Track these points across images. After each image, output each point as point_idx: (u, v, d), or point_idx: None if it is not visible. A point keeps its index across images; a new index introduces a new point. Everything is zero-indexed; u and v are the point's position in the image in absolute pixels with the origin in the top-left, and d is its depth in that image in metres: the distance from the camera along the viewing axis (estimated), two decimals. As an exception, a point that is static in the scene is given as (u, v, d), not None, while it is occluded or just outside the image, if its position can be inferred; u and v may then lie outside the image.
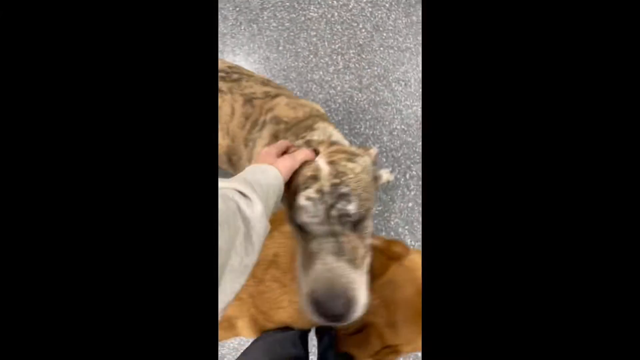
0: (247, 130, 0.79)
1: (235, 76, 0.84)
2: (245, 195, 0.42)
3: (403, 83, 1.38)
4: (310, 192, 0.52)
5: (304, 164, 0.56)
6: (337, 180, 0.52)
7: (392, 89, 1.37)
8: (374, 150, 0.64)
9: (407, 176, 1.28)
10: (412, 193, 1.27)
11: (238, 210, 0.40)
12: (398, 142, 1.31)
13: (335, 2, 1.48)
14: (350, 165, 0.56)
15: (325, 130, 0.71)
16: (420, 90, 1.37)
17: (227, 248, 0.36)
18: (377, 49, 1.42)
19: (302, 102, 0.80)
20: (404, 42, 1.43)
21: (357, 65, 1.40)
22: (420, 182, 1.26)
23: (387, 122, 1.33)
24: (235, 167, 0.86)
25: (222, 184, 0.43)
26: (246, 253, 0.39)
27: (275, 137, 0.74)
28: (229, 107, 0.80)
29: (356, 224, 0.53)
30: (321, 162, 0.56)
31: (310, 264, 0.50)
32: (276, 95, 0.81)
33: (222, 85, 0.82)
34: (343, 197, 0.51)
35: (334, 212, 0.51)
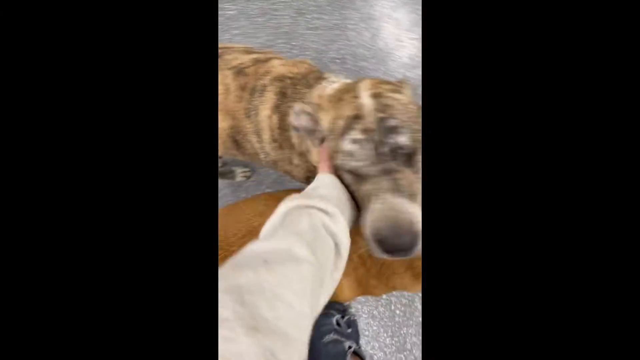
0: (247, 100, 0.72)
1: None
2: (327, 212, 0.44)
3: (339, 61, 1.33)
4: (355, 133, 0.47)
5: (343, 101, 0.52)
6: (383, 114, 0.48)
7: (330, 69, 1.32)
8: (411, 83, 0.59)
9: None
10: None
11: (324, 227, 0.42)
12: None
13: (250, -6, 1.41)
14: (397, 95, 0.51)
15: (337, 77, 0.67)
16: (357, 64, 1.33)
17: (323, 263, 0.38)
18: (304, 32, 1.36)
19: (298, 60, 0.75)
20: (330, 19, 1.38)
21: (289, 53, 1.34)
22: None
23: (332, 104, 1.29)
24: (242, 148, 0.78)
25: (302, 201, 0.44)
26: (335, 267, 0.42)
27: (283, 95, 0.68)
28: (220, 86, 0.73)
29: (409, 158, 0.48)
30: (364, 96, 0.50)
31: (369, 204, 0.47)
32: (267, 60, 0.75)
33: None
34: (392, 130, 0.47)
35: (384, 149, 0.47)
